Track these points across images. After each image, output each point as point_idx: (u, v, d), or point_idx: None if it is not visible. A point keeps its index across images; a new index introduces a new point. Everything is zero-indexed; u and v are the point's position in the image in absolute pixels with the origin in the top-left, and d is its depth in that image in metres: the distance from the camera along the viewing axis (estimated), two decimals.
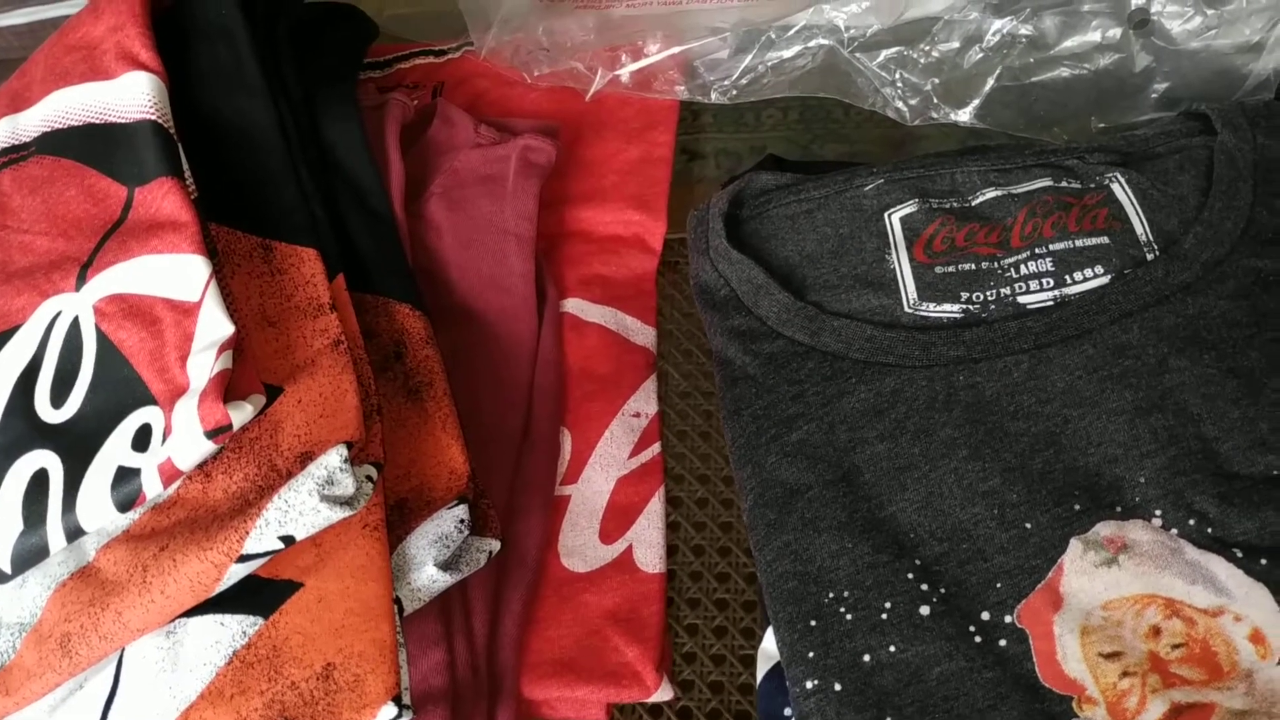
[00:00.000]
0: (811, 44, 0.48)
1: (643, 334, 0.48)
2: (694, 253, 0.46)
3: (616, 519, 0.44)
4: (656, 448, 0.45)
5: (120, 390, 0.39)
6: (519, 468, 0.44)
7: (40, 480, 0.38)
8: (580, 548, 0.43)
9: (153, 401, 0.39)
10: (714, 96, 0.50)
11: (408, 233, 0.47)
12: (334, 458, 0.36)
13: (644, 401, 0.46)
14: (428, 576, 0.37)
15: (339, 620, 0.36)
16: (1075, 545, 0.36)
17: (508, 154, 0.50)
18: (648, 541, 0.43)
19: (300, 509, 0.35)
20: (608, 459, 0.45)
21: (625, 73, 0.49)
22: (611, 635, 0.41)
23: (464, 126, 0.51)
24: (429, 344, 0.43)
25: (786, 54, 0.48)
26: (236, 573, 0.36)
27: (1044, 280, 0.40)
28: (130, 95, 0.44)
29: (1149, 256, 0.40)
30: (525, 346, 0.47)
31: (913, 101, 0.47)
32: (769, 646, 0.38)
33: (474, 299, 0.47)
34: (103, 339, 0.40)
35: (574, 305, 0.49)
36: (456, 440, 0.41)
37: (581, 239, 0.51)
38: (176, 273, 0.40)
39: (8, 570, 0.38)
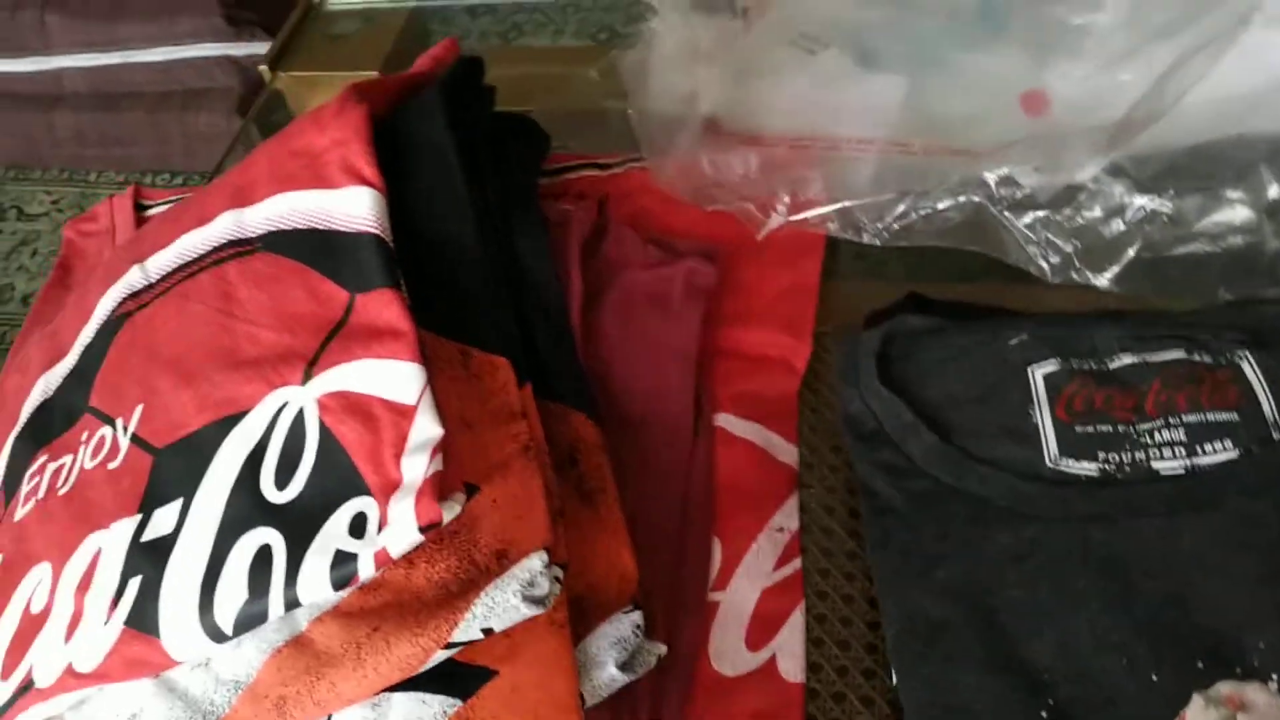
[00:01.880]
0: (961, 199, 0.52)
1: (787, 452, 0.52)
2: (843, 384, 0.50)
3: (761, 627, 0.47)
4: (798, 562, 0.49)
5: (339, 479, 0.44)
6: (676, 574, 0.48)
7: (264, 555, 0.43)
8: (728, 652, 0.47)
9: (367, 492, 0.43)
10: (866, 238, 0.54)
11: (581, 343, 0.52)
12: (536, 562, 0.40)
13: (788, 517, 0.50)
14: (608, 676, 0.41)
15: (532, 710, 0.40)
16: (1197, 700, 0.39)
17: (674, 275, 0.54)
18: (790, 651, 0.46)
19: (504, 606, 0.40)
20: (754, 570, 0.49)
21: (794, 219, 0.54)
22: None
23: (634, 245, 0.56)
24: (601, 452, 0.48)
25: (939, 205, 0.53)
26: (439, 657, 0.40)
27: (1176, 449, 0.44)
28: (353, 208, 0.49)
29: (1275, 437, 0.44)
30: (681, 459, 0.51)
31: (1054, 261, 0.51)
32: None
33: (636, 410, 0.52)
34: (325, 431, 0.45)
35: (725, 420, 0.53)
36: (626, 546, 0.45)
37: (734, 357, 0.55)
38: (395, 377, 0.45)
39: (229, 632, 0.43)
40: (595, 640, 0.42)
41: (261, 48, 1.56)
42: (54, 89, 1.76)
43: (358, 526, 0.43)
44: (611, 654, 0.41)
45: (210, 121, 1.64)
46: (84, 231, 0.69)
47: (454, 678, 0.41)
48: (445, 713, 0.41)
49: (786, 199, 0.54)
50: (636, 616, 0.42)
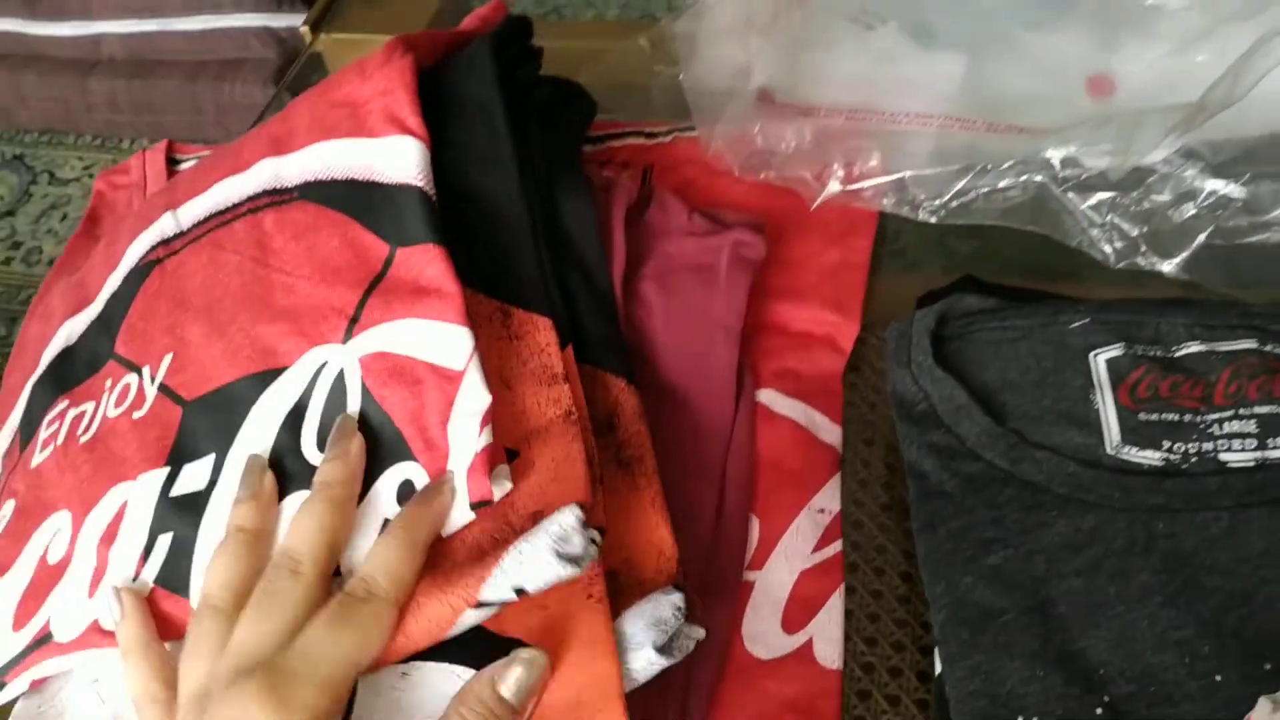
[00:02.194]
0: (1023, 178, 0.51)
1: (829, 432, 0.50)
2: (894, 364, 0.48)
3: (799, 610, 0.45)
4: (838, 545, 0.47)
5: (381, 443, 0.42)
6: (712, 551, 0.46)
7: None
8: (763, 634, 0.45)
9: (413, 458, 0.42)
10: (922, 215, 0.52)
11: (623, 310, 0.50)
12: (569, 515, 0.38)
13: (829, 498, 0.48)
14: (646, 660, 0.39)
15: (574, 692, 0.38)
16: (1264, 705, 0.37)
17: (721, 245, 0.53)
18: (828, 636, 0.45)
19: (534, 561, 0.38)
20: (792, 551, 0.47)
21: (849, 188, 0.52)
22: None
23: (679, 213, 0.54)
24: (641, 420, 0.46)
25: (1000, 184, 0.51)
26: (469, 618, 0.39)
27: (1246, 441, 0.42)
28: (396, 158, 0.47)
29: None
30: (721, 433, 0.49)
31: (1119, 245, 0.49)
32: None
33: (676, 380, 0.50)
34: (367, 393, 0.43)
35: (767, 396, 0.51)
36: (665, 521, 0.43)
37: (777, 332, 0.54)
38: (442, 340, 0.43)
39: None
40: (631, 620, 0.39)
41: (299, 20, 1.54)
42: (91, 54, 1.75)
43: (405, 494, 0.41)
44: (649, 636, 0.39)
45: (245, 92, 1.64)
46: (115, 184, 0.68)
47: (486, 650, 0.39)
48: None
49: (841, 170, 0.52)
50: (677, 598, 0.40)
